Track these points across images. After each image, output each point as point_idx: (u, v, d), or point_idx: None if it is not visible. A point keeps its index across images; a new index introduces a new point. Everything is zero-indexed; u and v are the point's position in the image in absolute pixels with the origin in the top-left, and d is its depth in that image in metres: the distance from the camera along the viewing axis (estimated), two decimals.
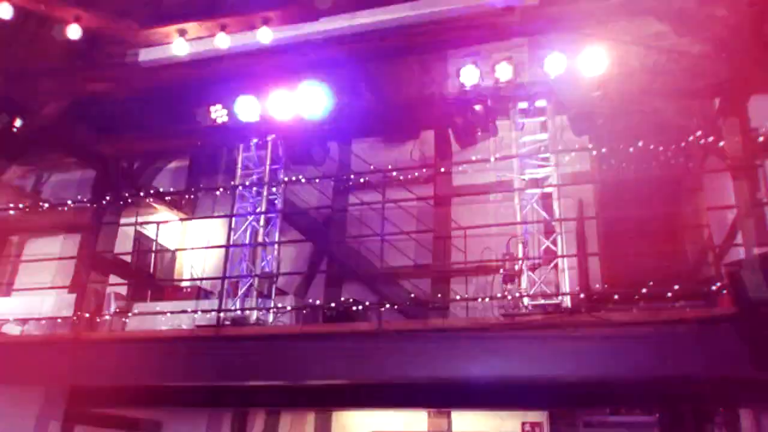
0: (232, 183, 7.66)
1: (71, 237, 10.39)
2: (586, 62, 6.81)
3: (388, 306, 6.78)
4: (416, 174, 9.24)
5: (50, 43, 7.70)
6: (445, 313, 8.98)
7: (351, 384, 6.92)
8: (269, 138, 7.79)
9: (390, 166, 9.16)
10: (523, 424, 8.67)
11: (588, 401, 7.26)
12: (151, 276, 10.19)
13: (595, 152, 6.96)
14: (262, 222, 7.67)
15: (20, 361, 7.43)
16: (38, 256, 10.36)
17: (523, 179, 6.79)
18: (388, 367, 6.43)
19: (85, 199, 9.13)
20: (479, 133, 7.06)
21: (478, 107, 6.80)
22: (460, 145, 7.33)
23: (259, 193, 7.90)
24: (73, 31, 6.69)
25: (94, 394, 8.05)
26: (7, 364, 7.45)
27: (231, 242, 7.71)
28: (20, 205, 9.36)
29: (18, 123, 8.33)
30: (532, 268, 6.61)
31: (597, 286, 6.94)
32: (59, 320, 7.75)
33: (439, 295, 7.64)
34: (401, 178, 7.95)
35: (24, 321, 8.10)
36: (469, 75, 6.84)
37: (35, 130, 8.68)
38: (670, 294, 5.76)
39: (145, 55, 7.36)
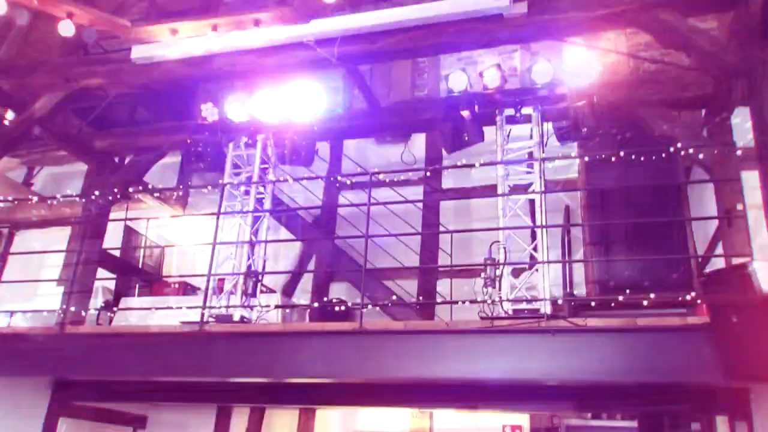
0: (220, 181, 7.71)
1: (61, 230, 10.46)
2: (573, 71, 6.88)
3: (371, 306, 6.85)
4: (403, 177, 9.34)
5: (44, 36, 7.78)
6: (431, 314, 9.11)
7: (333, 382, 7.00)
8: (259, 137, 7.84)
9: (381, 168, 9.25)
10: (504, 427, 8.77)
11: (566, 406, 7.34)
12: (139, 271, 10.26)
13: (578, 160, 7.05)
14: (249, 220, 7.73)
15: (5, 353, 7.49)
16: (29, 249, 10.41)
17: (509, 185, 6.87)
18: (370, 366, 6.51)
19: (74, 194, 9.18)
20: (466, 139, 7.12)
21: (465, 113, 6.87)
22: (447, 150, 7.40)
23: (248, 192, 7.96)
24: (66, 28, 6.73)
25: (80, 388, 8.11)
26: None
27: (220, 240, 7.77)
28: (10, 198, 9.40)
29: (9, 116, 8.39)
30: (516, 273, 6.69)
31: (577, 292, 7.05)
32: (45, 313, 7.80)
33: (420, 298, 7.71)
34: (387, 179, 7.99)
35: (11, 313, 8.17)
36: (456, 81, 6.90)
37: (28, 123, 8.74)
38: (646, 302, 5.81)
39: (138, 52, 7.41)
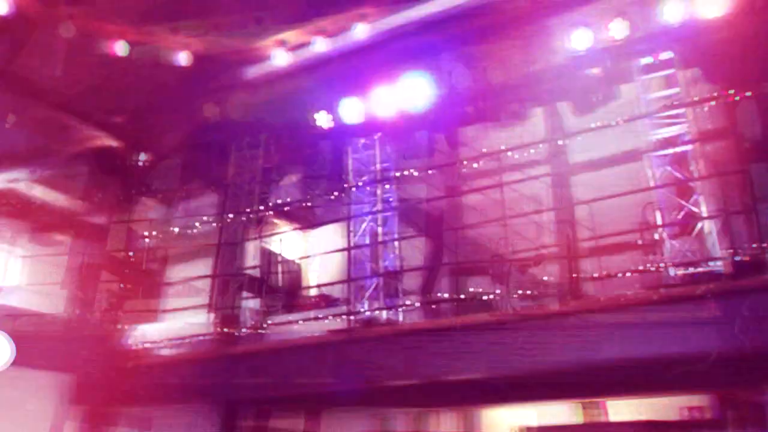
0: (345, 186, 7.63)
1: (207, 260, 10.85)
2: (706, 3, 6.15)
3: (516, 294, 6.44)
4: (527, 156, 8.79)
5: (164, 76, 8.07)
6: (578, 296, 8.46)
7: (489, 378, 6.62)
8: (376, 136, 7.69)
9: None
10: (682, 409, 7.95)
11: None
12: (279, 289, 10.43)
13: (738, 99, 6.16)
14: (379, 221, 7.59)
15: (172, 381, 7.79)
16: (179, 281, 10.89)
17: (653, 141, 6.21)
18: (525, 358, 6.09)
19: (210, 221, 9.47)
20: (596, 100, 6.55)
21: (595, 70, 6.30)
22: (577, 114, 6.84)
23: (373, 194, 7.84)
24: (186, 59, 6.94)
25: (247, 407, 8.23)
26: (160, 385, 7.84)
27: (351, 245, 7.69)
28: (154, 233, 9.87)
29: (142, 157, 8.81)
30: (674, 236, 6.02)
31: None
32: (200, 338, 8.02)
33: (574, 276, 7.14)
34: (515, 157, 7.53)
35: (169, 342, 8.48)
36: (581, 39, 6.38)
37: (160, 161, 9.16)
38: None
39: (252, 70, 7.50)
